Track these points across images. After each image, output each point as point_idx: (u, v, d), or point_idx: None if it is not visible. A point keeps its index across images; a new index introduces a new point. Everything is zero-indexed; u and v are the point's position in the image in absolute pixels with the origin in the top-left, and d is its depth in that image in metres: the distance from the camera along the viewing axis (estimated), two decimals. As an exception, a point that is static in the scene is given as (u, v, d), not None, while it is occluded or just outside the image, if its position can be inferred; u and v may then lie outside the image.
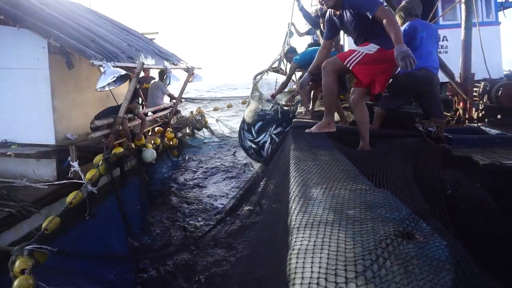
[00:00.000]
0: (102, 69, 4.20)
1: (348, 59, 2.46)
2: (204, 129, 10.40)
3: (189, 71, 7.11)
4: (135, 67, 5.03)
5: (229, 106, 11.26)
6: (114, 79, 4.27)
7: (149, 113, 6.92)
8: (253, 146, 4.66)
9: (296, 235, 0.88)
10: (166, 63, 6.56)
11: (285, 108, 4.58)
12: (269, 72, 6.59)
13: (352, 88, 2.77)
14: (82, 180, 4.36)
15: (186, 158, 8.55)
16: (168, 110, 7.39)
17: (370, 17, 2.30)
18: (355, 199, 1.13)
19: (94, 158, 4.75)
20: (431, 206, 1.65)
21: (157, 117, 7.24)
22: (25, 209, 3.76)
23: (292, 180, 1.38)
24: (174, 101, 7.60)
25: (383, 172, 1.63)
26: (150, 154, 5.77)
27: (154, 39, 8.29)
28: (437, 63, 3.46)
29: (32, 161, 4.73)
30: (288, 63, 5.63)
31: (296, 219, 0.98)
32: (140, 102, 7.01)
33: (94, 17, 6.96)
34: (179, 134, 8.55)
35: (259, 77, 6.25)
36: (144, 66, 5.53)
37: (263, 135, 4.54)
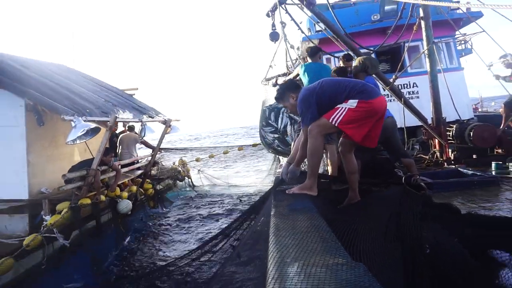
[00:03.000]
0: (73, 124, 4.34)
1: (332, 117, 2.42)
2: (186, 179, 10.46)
3: (166, 123, 7.37)
4: (108, 121, 5.13)
5: (225, 153, 11.85)
6: (84, 132, 4.37)
7: (126, 166, 6.94)
8: (276, 135, 4.85)
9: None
10: (143, 116, 6.71)
11: None
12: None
13: (341, 139, 2.73)
14: (54, 234, 4.36)
15: (164, 210, 8.54)
16: (146, 162, 7.44)
17: None
18: (328, 278, 1.14)
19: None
20: (413, 266, 1.67)
21: (135, 168, 7.29)
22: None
23: (270, 256, 1.38)
24: (151, 152, 7.69)
25: (362, 237, 1.65)
26: (125, 205, 5.74)
27: (134, 94, 8.55)
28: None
29: (4, 217, 4.74)
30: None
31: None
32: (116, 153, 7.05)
33: (76, 76, 7.25)
34: (160, 186, 8.63)
35: (270, 82, 6.46)
36: (119, 120, 5.67)
37: (280, 119, 4.76)
